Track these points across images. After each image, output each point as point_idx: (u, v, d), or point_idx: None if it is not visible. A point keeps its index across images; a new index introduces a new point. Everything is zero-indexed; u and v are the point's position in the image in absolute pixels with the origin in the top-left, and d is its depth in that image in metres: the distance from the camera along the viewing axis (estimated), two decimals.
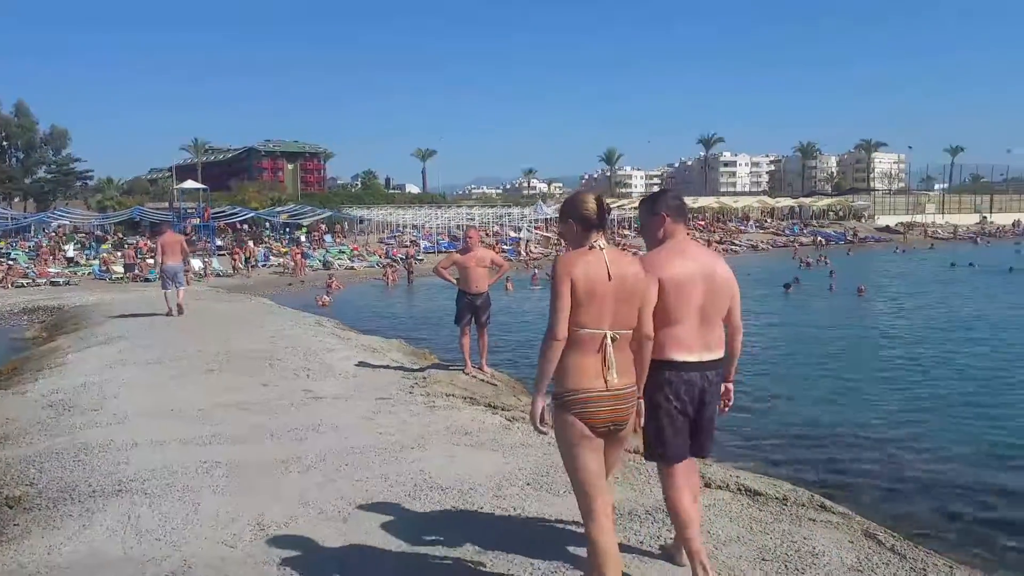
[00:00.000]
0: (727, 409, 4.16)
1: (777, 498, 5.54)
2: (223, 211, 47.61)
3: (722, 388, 4.00)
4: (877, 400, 11.22)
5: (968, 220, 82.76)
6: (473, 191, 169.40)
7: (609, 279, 3.29)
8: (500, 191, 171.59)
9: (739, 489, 5.70)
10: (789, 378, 12.99)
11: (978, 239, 66.81)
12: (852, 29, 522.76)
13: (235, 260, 35.08)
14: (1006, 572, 5.65)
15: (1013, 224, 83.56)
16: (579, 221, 3.42)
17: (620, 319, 3.37)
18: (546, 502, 5.28)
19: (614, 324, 3.35)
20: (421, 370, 10.05)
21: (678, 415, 3.73)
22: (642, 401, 3.56)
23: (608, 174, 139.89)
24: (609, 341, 3.31)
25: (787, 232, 67.06)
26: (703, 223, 68.64)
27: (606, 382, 3.30)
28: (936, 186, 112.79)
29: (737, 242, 58.06)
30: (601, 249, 3.34)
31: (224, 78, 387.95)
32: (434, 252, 42.45)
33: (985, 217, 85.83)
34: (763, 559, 4.41)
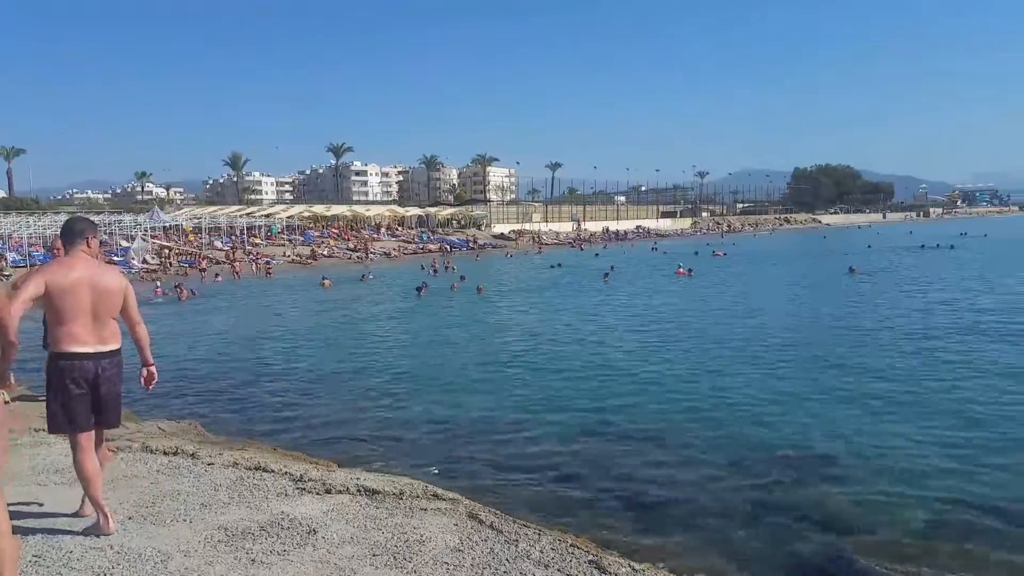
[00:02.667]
0: (151, 386, 5.11)
1: (394, 494, 5.77)
2: None
3: (144, 371, 5.04)
4: (493, 391, 12.32)
5: (566, 227, 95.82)
6: (76, 196, 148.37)
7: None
8: (109, 196, 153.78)
9: (359, 490, 5.82)
10: (416, 376, 13.67)
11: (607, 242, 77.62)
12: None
13: None
14: (596, 531, 6.39)
15: (603, 230, 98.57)
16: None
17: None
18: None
19: None
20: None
21: (77, 395, 4.58)
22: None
23: (236, 179, 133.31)
24: None
25: (417, 240, 70.67)
26: (336, 231, 69.06)
27: None
28: (540, 197, 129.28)
29: (373, 250, 59.48)
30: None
31: None
32: (25, 266, 36.30)
33: (579, 224, 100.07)
34: (374, 555, 4.55)
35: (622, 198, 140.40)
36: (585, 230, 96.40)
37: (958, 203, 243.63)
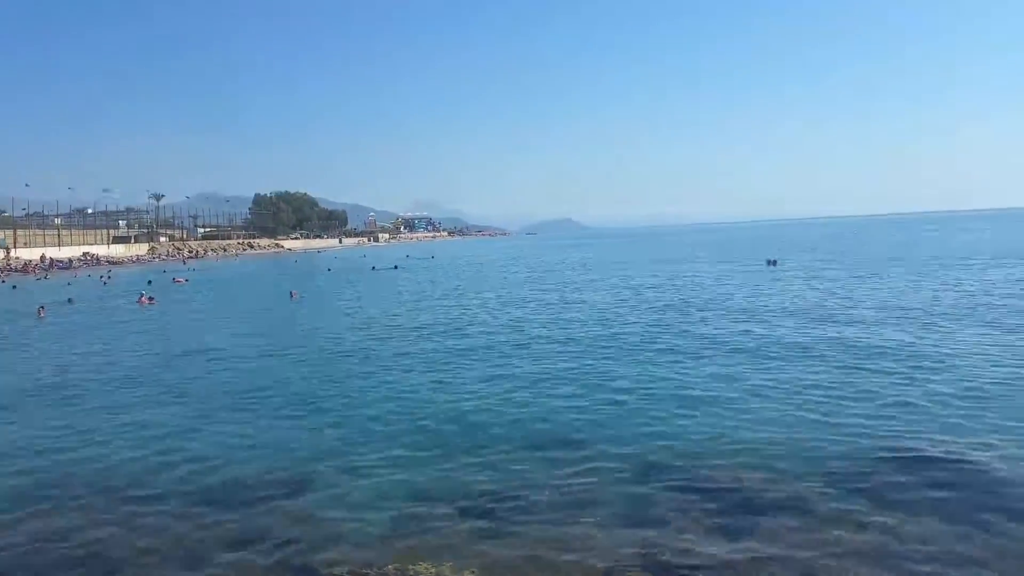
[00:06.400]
0: None
1: None
2: None
3: None
4: None
5: None
6: None
7: None
8: None
9: None
10: None
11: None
12: None
13: None
14: None
15: (40, 259, 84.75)
16: None
17: None
18: None
19: None
20: None
21: None
22: None
23: None
24: None
25: None
26: None
27: None
28: None
29: None
30: None
31: None
32: None
33: (10, 251, 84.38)
34: None
35: (59, 220, 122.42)
36: (17, 258, 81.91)
37: (402, 229, 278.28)
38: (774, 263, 45.25)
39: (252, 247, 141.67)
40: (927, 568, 6.20)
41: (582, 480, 8.49)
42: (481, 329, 21.67)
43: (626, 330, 20.22)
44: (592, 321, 22.55)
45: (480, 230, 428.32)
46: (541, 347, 17.89)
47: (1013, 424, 9.90)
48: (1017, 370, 13.07)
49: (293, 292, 37.44)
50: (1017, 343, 15.65)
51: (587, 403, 12.04)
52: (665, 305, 26.11)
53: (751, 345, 16.81)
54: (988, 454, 8.79)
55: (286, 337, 21.84)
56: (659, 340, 18.17)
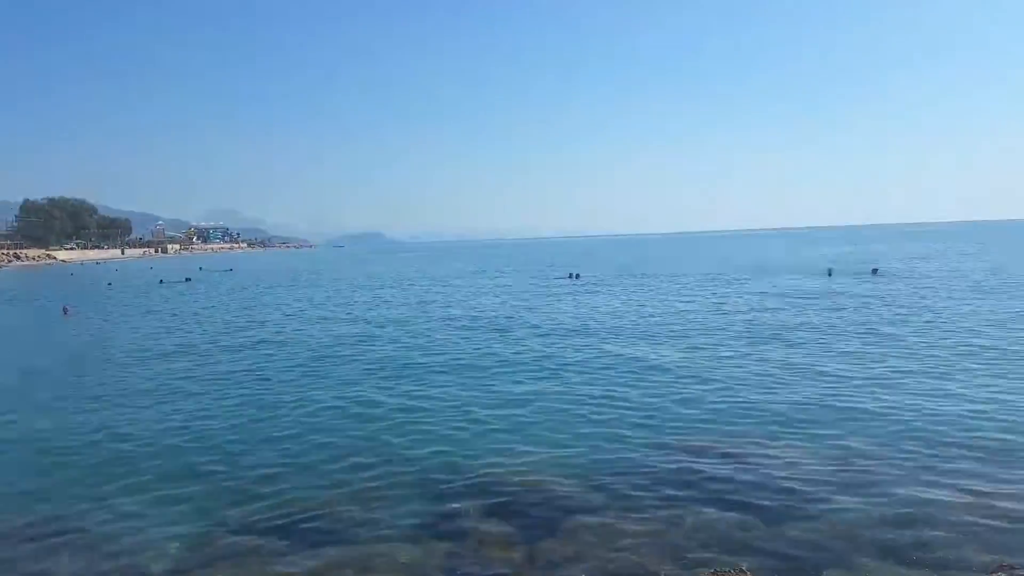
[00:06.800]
0: None
1: None
2: None
3: None
4: None
5: None
6: None
7: None
8: None
9: None
10: None
11: None
12: None
13: None
14: None
15: None
16: None
17: None
18: None
19: None
20: None
21: None
22: None
23: None
24: None
25: None
26: None
27: None
28: None
29: None
30: None
31: None
32: None
33: None
34: None
35: None
36: None
37: (194, 239, 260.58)
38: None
39: (19, 258, 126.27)
40: (705, 554, 6.72)
41: (375, 498, 8.34)
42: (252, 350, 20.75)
43: (377, 349, 20.26)
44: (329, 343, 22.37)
45: (283, 242, 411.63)
46: (321, 367, 17.44)
47: (769, 423, 11.06)
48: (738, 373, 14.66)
49: (67, 308, 33.67)
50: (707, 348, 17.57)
51: (360, 423, 11.88)
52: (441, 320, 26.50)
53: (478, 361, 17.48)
54: (753, 450, 9.73)
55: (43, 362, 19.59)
56: (442, 356, 18.38)
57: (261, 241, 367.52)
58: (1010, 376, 13.21)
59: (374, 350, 18.92)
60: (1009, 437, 9.68)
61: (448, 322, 24.69)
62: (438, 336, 21.26)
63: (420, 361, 16.96)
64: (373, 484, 8.75)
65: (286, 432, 11.17)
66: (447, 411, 12.14)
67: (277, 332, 23.44)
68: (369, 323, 25.20)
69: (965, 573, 6.13)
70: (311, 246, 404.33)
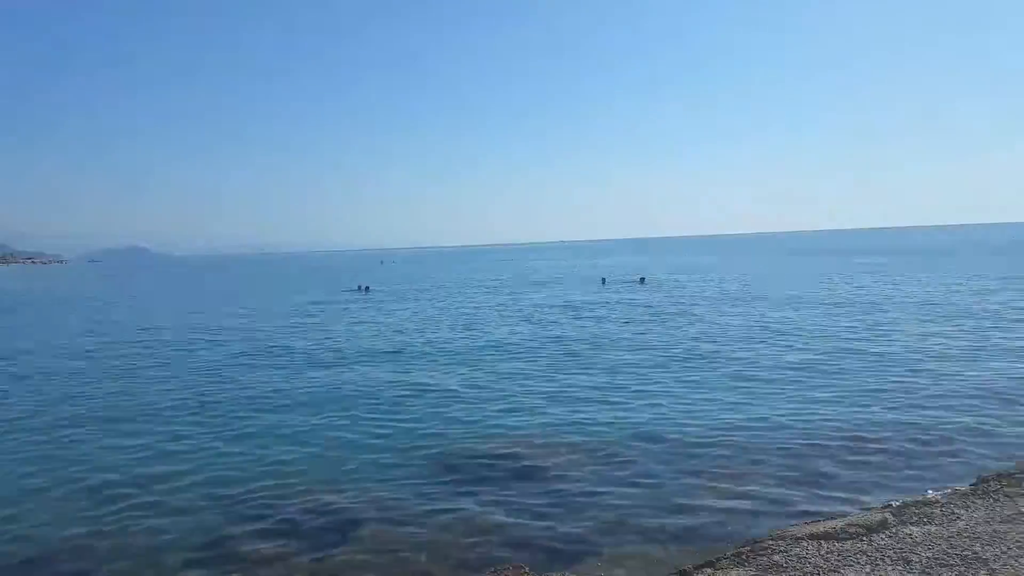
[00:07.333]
0: None
1: None
2: None
3: None
4: None
5: None
6: None
7: None
8: None
9: None
10: None
11: None
12: None
13: None
14: None
15: None
16: None
17: None
18: None
19: None
20: None
21: None
22: None
23: None
24: None
25: None
26: None
27: None
28: None
29: None
30: None
31: None
32: None
33: None
34: None
35: None
36: None
37: None
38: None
39: None
40: (486, 553, 6.94)
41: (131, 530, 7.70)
42: None
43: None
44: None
45: (29, 257, 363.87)
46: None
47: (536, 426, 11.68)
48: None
49: None
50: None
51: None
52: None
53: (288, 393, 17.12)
54: (523, 451, 10.20)
55: None
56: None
57: (2, 257, 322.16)
58: (702, 380, 14.88)
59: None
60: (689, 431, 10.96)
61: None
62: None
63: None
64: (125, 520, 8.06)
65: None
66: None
67: None
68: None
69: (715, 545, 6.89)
70: (61, 261, 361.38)
